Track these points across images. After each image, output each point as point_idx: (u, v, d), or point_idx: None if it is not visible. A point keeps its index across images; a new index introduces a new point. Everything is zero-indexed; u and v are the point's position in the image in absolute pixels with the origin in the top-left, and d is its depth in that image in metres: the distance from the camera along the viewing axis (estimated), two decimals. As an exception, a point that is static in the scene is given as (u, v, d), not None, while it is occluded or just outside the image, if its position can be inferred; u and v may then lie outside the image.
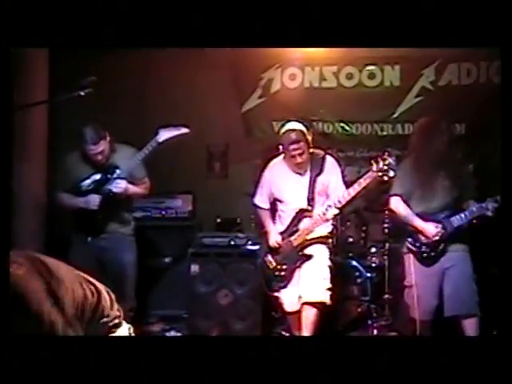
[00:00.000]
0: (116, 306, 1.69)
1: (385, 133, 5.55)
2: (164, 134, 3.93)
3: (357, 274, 4.69)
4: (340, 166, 4.08)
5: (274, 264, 3.98)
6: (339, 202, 3.74)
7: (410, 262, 3.78)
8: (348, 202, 3.82)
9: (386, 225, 4.70)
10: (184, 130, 4.01)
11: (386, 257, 4.70)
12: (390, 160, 3.63)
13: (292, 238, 3.93)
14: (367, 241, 5.01)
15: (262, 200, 4.14)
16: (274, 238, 3.99)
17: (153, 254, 5.01)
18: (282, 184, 4.02)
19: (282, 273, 3.94)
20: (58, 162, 4.35)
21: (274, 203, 4.14)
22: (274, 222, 4.11)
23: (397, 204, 3.85)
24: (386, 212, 4.64)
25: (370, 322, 4.54)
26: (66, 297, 1.49)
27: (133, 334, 1.72)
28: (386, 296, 4.60)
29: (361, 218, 5.07)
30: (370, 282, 4.68)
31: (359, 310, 4.58)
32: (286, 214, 4.01)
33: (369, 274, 4.71)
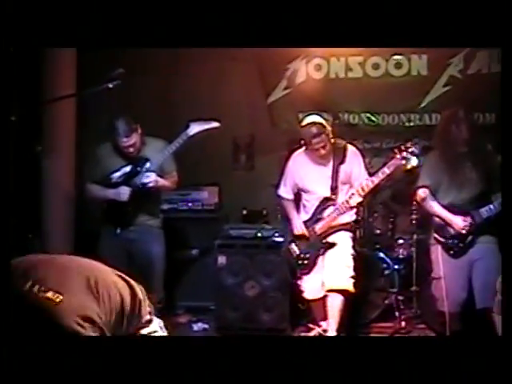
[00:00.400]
0: (148, 302, 1.70)
1: (412, 123, 5.49)
2: (194, 128, 3.94)
3: (384, 265, 4.66)
4: (362, 155, 4.13)
5: (298, 252, 4.06)
6: (362, 189, 3.80)
7: (438, 253, 3.75)
8: (372, 191, 3.88)
9: (413, 216, 4.65)
10: (214, 124, 4.02)
11: (413, 248, 4.65)
12: (413, 148, 3.71)
13: (315, 226, 4.00)
14: (395, 232, 4.97)
15: (285, 191, 4.21)
16: (298, 227, 4.06)
17: (180, 246, 5.05)
18: (306, 174, 4.08)
19: (305, 261, 4.02)
20: (87, 154, 4.40)
21: (298, 193, 4.20)
22: (297, 212, 4.17)
23: (424, 196, 3.81)
24: (414, 203, 4.60)
25: (397, 313, 4.51)
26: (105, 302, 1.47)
27: (164, 330, 1.73)
28: (414, 288, 4.56)
29: (388, 209, 5.03)
30: (398, 274, 4.66)
31: (386, 301, 4.55)
32: (310, 203, 4.08)
33: (396, 266, 4.68)
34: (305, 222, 4.07)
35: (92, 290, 1.46)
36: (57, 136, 5.02)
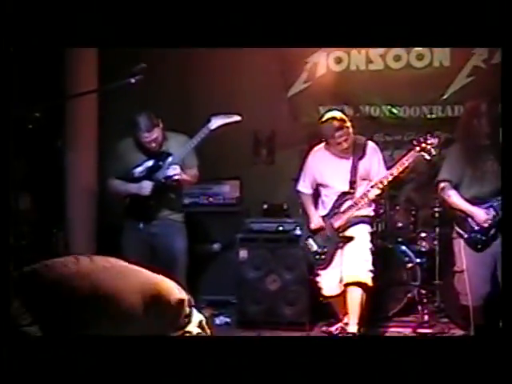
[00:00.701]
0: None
1: (434, 115, 5.43)
2: (216, 122, 3.92)
3: (406, 259, 4.63)
4: (381, 151, 4.15)
5: (316, 247, 4.05)
6: (381, 182, 3.83)
7: (461, 247, 3.71)
8: (390, 183, 3.87)
9: (436, 209, 4.61)
10: (236, 118, 3.98)
11: (436, 242, 4.62)
12: (432, 140, 3.73)
13: (333, 220, 4.00)
14: (417, 226, 4.93)
15: (304, 186, 4.23)
16: (316, 222, 4.07)
17: (201, 240, 5.07)
18: (325, 169, 4.09)
19: (323, 256, 4.02)
20: (109, 149, 4.43)
21: (317, 189, 4.21)
22: (316, 207, 4.19)
23: (446, 189, 3.77)
24: (436, 197, 4.56)
25: (420, 307, 4.48)
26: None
27: (205, 327, 1.72)
28: (437, 281, 4.53)
29: (410, 202, 5.00)
30: (420, 268, 4.62)
31: (409, 295, 4.53)
32: (329, 198, 4.09)
33: (418, 260, 4.65)
34: (323, 217, 4.08)
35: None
36: (79, 132, 5.08)
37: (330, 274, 4.00)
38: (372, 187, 3.85)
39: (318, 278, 4.09)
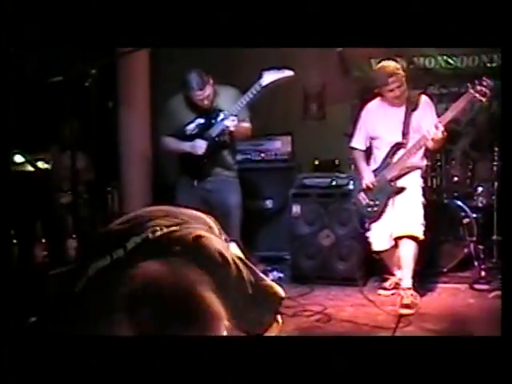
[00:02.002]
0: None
1: (495, 64, 5.17)
2: (268, 77, 3.84)
3: (462, 214, 4.53)
4: (436, 104, 4.06)
5: (367, 200, 4.02)
6: (436, 127, 3.67)
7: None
8: (446, 128, 3.69)
9: (494, 164, 4.47)
10: (288, 73, 3.89)
11: (494, 197, 4.49)
12: (488, 82, 3.55)
13: (385, 171, 3.96)
14: (474, 180, 4.79)
15: (358, 142, 4.18)
16: (368, 178, 4.03)
17: (254, 197, 5.10)
18: (378, 120, 4.04)
19: (375, 208, 3.98)
20: (162, 107, 4.45)
21: (370, 145, 4.16)
22: (368, 163, 4.14)
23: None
24: (495, 150, 4.43)
25: (476, 263, 4.41)
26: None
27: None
28: (495, 237, 4.43)
29: (467, 156, 4.85)
30: (477, 223, 4.51)
31: (465, 250, 4.45)
32: (381, 150, 4.04)
33: (475, 215, 4.54)
34: (374, 172, 4.05)
35: None
36: (132, 90, 5.12)
37: (381, 228, 3.98)
38: (427, 132, 3.71)
39: (368, 233, 4.06)
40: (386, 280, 4.27)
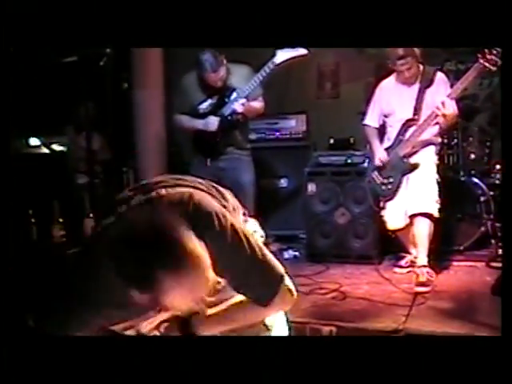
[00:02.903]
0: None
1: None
2: (281, 56, 3.83)
3: (479, 191, 4.48)
4: (453, 80, 3.99)
5: (381, 179, 4.01)
6: (443, 103, 3.62)
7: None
8: (457, 102, 3.66)
9: (512, 139, 4.40)
10: (302, 52, 3.85)
11: (512, 174, 4.43)
12: (498, 49, 3.41)
13: (398, 148, 3.94)
14: (491, 158, 4.74)
15: (371, 119, 4.17)
16: (380, 156, 4.02)
17: (268, 175, 5.10)
18: (391, 97, 4.03)
19: (389, 186, 3.97)
20: (175, 85, 4.45)
21: (384, 123, 4.14)
22: (381, 141, 4.12)
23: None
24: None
25: (493, 241, 4.37)
26: None
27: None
28: (512, 214, 4.38)
29: (484, 133, 4.78)
30: (494, 201, 4.47)
31: (482, 228, 4.41)
32: (393, 128, 4.02)
33: (492, 192, 4.49)
34: (387, 149, 4.03)
35: None
36: (146, 69, 5.11)
37: (396, 206, 3.96)
38: (438, 108, 3.65)
39: (383, 212, 4.05)
40: (401, 258, 4.26)
